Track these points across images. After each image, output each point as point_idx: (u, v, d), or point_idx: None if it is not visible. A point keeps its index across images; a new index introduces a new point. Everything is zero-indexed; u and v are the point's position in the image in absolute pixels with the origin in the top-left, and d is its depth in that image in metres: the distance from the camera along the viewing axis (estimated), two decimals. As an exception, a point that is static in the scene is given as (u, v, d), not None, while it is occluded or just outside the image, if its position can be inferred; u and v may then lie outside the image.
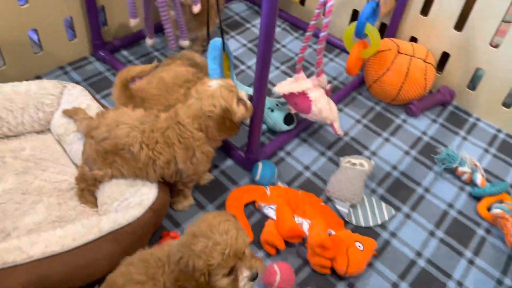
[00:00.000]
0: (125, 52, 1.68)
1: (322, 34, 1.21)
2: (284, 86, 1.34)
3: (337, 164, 1.39)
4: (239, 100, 1.13)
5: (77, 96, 1.28)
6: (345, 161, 1.36)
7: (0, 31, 1.36)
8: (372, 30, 1.42)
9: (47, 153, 1.24)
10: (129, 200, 1.08)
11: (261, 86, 1.14)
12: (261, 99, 1.17)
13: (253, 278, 0.84)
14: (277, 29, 1.91)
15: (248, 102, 1.16)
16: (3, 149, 1.22)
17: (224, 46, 1.25)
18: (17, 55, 1.44)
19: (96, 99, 1.28)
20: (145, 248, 0.93)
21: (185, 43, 1.52)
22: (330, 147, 1.45)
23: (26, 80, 1.29)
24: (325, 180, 1.34)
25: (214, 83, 1.10)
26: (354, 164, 1.33)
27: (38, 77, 1.51)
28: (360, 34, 1.44)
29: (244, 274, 0.83)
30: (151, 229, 1.06)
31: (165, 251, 0.89)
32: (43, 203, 1.12)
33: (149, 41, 1.53)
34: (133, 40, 1.71)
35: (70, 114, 1.23)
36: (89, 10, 1.52)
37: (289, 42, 1.85)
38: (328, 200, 1.29)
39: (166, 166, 1.08)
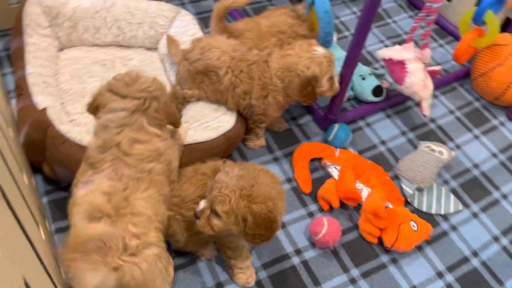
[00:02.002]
0: (239, -4, 1.76)
1: (435, 5, 1.17)
2: (386, 51, 1.32)
3: (415, 147, 1.36)
4: (331, 77, 1.15)
5: (187, 23, 1.39)
6: (425, 145, 1.32)
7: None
8: (492, 18, 1.33)
9: (151, 68, 1.38)
10: (208, 123, 1.17)
11: (355, 51, 1.15)
12: (352, 63, 1.18)
13: None
14: (392, 4, 1.85)
15: (336, 84, 1.18)
16: (116, 55, 1.37)
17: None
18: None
19: (202, 31, 1.38)
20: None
21: None
22: (414, 129, 1.41)
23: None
24: (398, 159, 1.32)
25: (320, 50, 1.13)
26: (433, 150, 1.29)
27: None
28: (478, 20, 1.35)
29: None
30: (221, 153, 1.14)
31: None
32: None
33: None
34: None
35: (168, 41, 1.32)
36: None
37: (401, 19, 1.79)
38: (396, 177, 1.27)
39: (242, 96, 1.15)
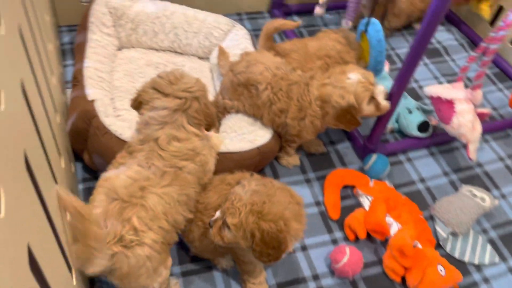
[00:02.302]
0: (296, 18, 1.79)
1: (492, 46, 1.12)
2: (434, 88, 1.29)
3: (456, 190, 1.30)
4: (372, 98, 1.12)
5: (240, 37, 1.42)
6: (466, 189, 1.26)
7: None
8: (556, 66, 1.26)
9: (199, 76, 1.39)
10: (244, 135, 1.19)
11: (402, 82, 1.13)
12: (397, 94, 1.15)
13: None
14: (454, 42, 1.80)
15: (383, 102, 1.13)
16: (169, 60, 1.43)
17: (366, 27, 1.24)
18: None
19: (254, 46, 1.41)
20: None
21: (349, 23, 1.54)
22: (458, 171, 1.35)
23: (207, 13, 1.47)
24: (436, 199, 1.26)
25: (353, 77, 1.09)
26: (474, 195, 1.23)
27: (218, 16, 1.71)
28: (540, 66, 1.28)
29: None
30: (252, 166, 1.15)
31: None
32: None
33: (348, 23, 1.54)
34: (309, 9, 1.80)
35: (220, 52, 1.36)
36: (280, -30, 1.65)
37: (460, 58, 1.73)
38: (430, 218, 1.22)
39: (278, 113, 1.15)
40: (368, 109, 1.13)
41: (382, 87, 1.14)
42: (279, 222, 0.79)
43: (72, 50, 1.45)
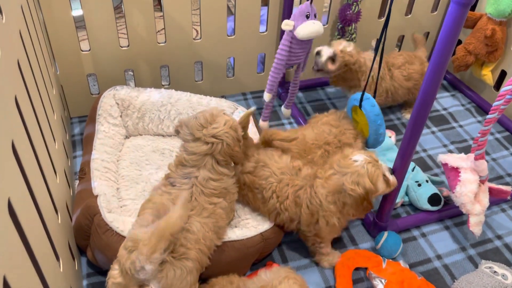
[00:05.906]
0: (300, 94, 1.82)
1: (489, 116, 1.10)
2: (446, 156, 1.26)
3: (476, 266, 1.23)
4: (383, 176, 1.07)
5: (243, 119, 1.45)
6: (486, 265, 1.19)
7: (208, 57, 1.64)
8: None
9: None
10: (248, 221, 1.17)
11: (407, 152, 1.10)
12: (403, 166, 1.12)
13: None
14: (460, 108, 1.80)
15: (391, 178, 1.08)
16: (175, 145, 1.46)
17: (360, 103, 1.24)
18: (215, 74, 1.71)
19: (256, 125, 1.43)
20: (247, 268, 1.03)
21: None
22: (476, 245, 1.29)
23: (214, 96, 1.52)
24: (455, 278, 1.19)
25: (359, 158, 1.04)
26: (495, 272, 1.16)
27: (223, 96, 1.75)
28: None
29: None
30: (256, 253, 1.12)
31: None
32: (185, 198, 1.30)
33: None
34: (311, 85, 1.84)
35: None
36: (281, 51, 1.70)
37: (468, 124, 1.72)
38: (450, 299, 1.15)
39: (288, 221, 1.13)
40: (382, 187, 1.07)
41: (385, 165, 1.11)
42: None
43: (82, 141, 1.50)
